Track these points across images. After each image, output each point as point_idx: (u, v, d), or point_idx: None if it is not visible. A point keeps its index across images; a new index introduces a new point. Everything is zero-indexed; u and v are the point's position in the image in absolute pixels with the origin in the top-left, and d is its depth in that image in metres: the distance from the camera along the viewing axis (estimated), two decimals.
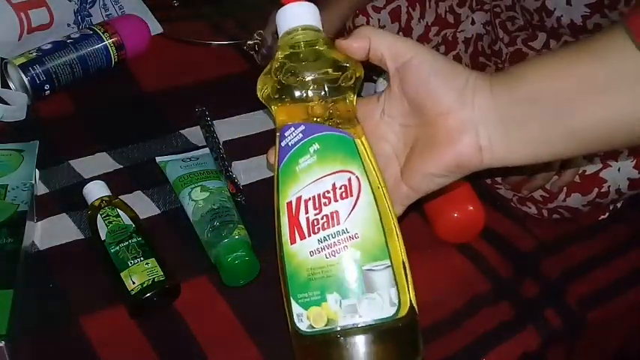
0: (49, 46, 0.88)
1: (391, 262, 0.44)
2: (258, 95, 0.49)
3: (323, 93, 0.47)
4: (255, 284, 0.68)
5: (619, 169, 0.75)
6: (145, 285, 0.62)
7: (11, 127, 0.83)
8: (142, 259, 0.64)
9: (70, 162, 0.79)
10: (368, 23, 0.95)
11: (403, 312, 0.44)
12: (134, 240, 0.65)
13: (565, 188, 0.77)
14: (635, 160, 0.75)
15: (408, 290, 0.45)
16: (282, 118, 0.48)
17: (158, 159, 0.79)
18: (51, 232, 0.70)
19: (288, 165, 0.46)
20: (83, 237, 0.70)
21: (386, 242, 0.44)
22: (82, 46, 0.89)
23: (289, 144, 0.46)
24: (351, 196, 0.44)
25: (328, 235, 0.44)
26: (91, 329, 0.62)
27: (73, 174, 0.77)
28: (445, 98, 0.47)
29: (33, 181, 0.71)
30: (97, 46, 0.90)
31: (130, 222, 0.67)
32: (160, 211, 0.74)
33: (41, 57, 0.86)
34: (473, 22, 0.94)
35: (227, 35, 1.04)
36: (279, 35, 0.49)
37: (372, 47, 0.48)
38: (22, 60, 0.85)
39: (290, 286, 0.45)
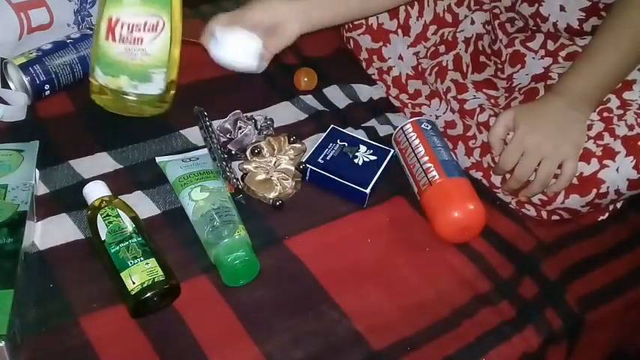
0: (49, 46, 0.88)
1: (167, 70, 0.77)
2: None
3: None
4: (255, 284, 0.68)
5: (617, 170, 0.75)
6: (145, 285, 0.62)
7: (11, 127, 0.82)
8: (142, 259, 0.64)
9: (70, 162, 0.79)
10: (366, 21, 0.95)
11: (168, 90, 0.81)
12: (134, 240, 0.65)
13: (563, 190, 0.77)
14: (634, 161, 0.75)
15: (173, 81, 0.80)
16: None
17: (158, 159, 0.79)
18: (51, 232, 0.70)
19: None
20: (83, 237, 0.70)
21: (168, 62, 0.76)
22: (82, 46, 0.89)
23: None
24: (155, 31, 0.73)
25: (132, 48, 0.73)
26: (91, 329, 0.62)
27: (73, 174, 0.77)
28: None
29: (33, 181, 0.71)
30: None
31: (130, 222, 0.67)
32: (160, 211, 0.74)
33: (41, 57, 0.86)
34: (472, 22, 0.94)
35: None
36: None
37: None
38: (22, 60, 0.85)
39: (98, 64, 0.77)
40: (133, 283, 0.62)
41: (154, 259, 0.64)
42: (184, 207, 0.73)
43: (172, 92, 0.80)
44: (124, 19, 0.69)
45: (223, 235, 0.67)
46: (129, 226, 0.67)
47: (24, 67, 0.85)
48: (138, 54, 0.70)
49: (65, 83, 0.88)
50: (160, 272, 0.63)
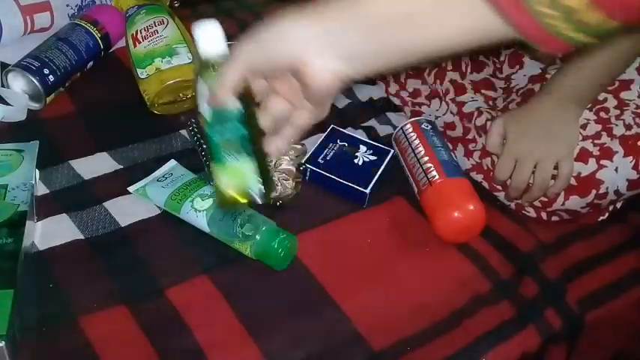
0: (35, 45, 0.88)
1: (187, 46, 0.88)
2: None
3: None
4: (256, 284, 0.68)
5: (616, 170, 0.75)
6: None
7: (11, 127, 0.82)
8: None
9: (70, 162, 0.79)
10: None
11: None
12: None
13: (563, 191, 0.77)
14: (634, 161, 0.75)
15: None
16: None
17: (132, 188, 0.75)
18: (51, 232, 0.70)
19: (131, 18, 0.92)
20: (83, 237, 0.70)
21: (184, 39, 0.88)
22: (60, 32, 0.90)
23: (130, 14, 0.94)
24: (164, 24, 0.90)
25: (152, 39, 0.88)
26: (91, 329, 0.62)
27: (73, 174, 0.77)
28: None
29: (33, 181, 0.71)
30: (83, 35, 0.90)
31: None
32: (159, 212, 0.74)
33: (31, 53, 0.86)
34: None
35: (227, 35, 1.04)
36: None
37: None
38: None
39: (138, 68, 0.87)
40: None
41: None
42: (191, 221, 0.71)
43: None
44: (140, 28, 0.89)
45: (261, 225, 0.68)
46: None
47: (25, 68, 0.84)
48: (158, 41, 0.87)
49: (64, 68, 0.86)
50: None
